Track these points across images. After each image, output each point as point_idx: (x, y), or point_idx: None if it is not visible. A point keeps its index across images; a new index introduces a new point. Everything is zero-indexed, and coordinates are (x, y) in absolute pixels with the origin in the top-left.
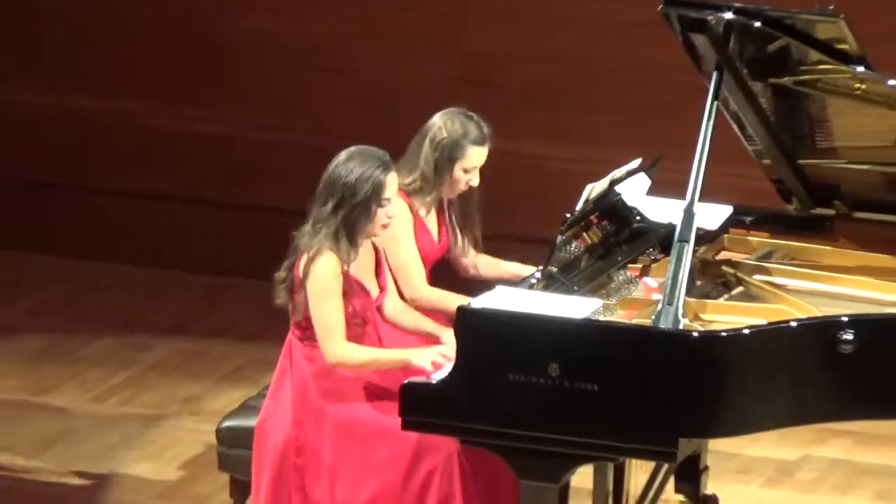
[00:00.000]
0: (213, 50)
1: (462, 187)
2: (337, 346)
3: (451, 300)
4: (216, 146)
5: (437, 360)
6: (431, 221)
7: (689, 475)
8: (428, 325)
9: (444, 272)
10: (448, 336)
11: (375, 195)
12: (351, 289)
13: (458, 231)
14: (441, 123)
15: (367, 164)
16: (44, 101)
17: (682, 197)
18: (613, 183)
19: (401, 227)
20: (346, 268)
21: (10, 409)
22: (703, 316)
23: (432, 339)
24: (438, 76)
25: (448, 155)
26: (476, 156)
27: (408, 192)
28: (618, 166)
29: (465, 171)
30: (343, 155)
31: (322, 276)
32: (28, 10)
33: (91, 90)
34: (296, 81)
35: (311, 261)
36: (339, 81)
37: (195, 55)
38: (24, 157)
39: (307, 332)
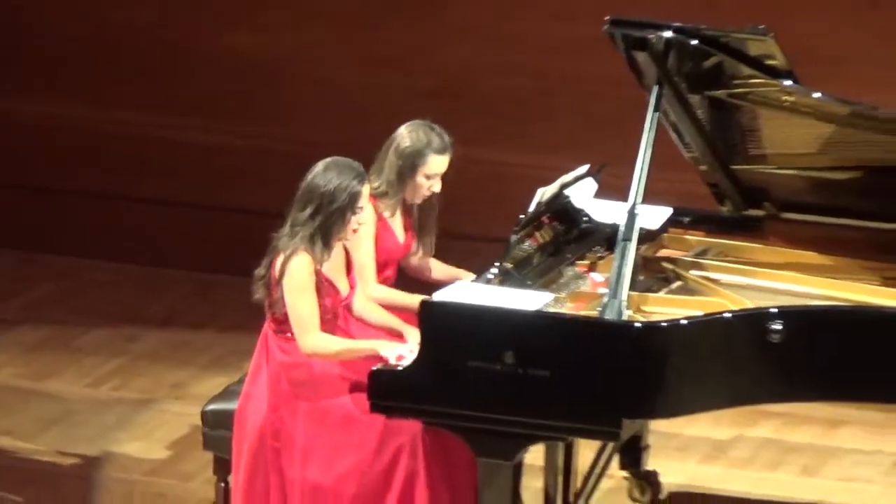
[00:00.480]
0: (200, 64)
1: (425, 192)
2: (311, 337)
3: (396, 296)
4: (202, 154)
5: (401, 353)
6: (396, 223)
7: (632, 453)
8: (393, 321)
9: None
10: (413, 335)
11: (351, 204)
12: (323, 287)
13: (419, 236)
14: (405, 133)
15: (344, 175)
16: (43, 112)
17: (626, 199)
18: (563, 187)
19: (363, 228)
20: (318, 267)
21: (12, 394)
22: (644, 308)
23: (397, 334)
24: (407, 89)
25: (411, 163)
26: (437, 164)
27: (374, 196)
28: (567, 172)
29: (427, 177)
30: (321, 165)
31: (297, 274)
32: (32, 30)
33: (88, 101)
34: (275, 94)
35: (287, 260)
36: (314, 94)
37: (183, 69)
38: (25, 164)
39: (283, 325)
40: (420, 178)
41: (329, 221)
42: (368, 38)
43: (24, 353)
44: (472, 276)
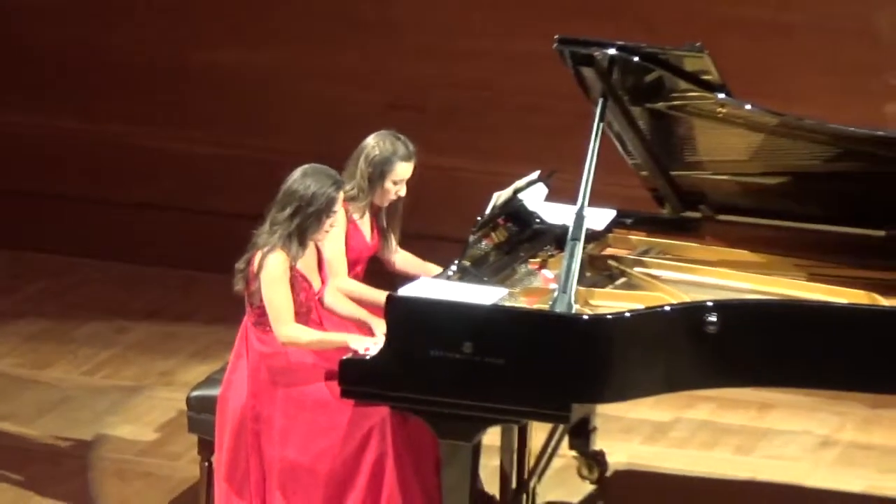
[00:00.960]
0: (183, 79)
1: (391, 197)
2: (286, 327)
3: (363, 290)
4: (185, 161)
5: (368, 345)
6: (365, 224)
7: (581, 434)
8: (361, 313)
9: (374, 266)
10: (379, 327)
11: (327, 209)
12: (297, 282)
13: (386, 235)
14: (374, 143)
15: (322, 181)
16: (38, 122)
17: (574, 202)
18: (517, 191)
19: (335, 228)
20: (293, 264)
21: (13, 382)
22: (591, 302)
23: (365, 325)
24: (369, 102)
25: (379, 170)
26: (403, 171)
27: (345, 199)
28: (520, 178)
29: (394, 183)
30: (300, 171)
31: (273, 269)
32: (30, 49)
33: (79, 113)
34: (251, 107)
35: (264, 256)
36: (288, 107)
37: (167, 84)
38: (21, 171)
39: (261, 318)
40: (388, 184)
41: (306, 223)
42: (335, 57)
43: (23, 345)
44: (440, 269)
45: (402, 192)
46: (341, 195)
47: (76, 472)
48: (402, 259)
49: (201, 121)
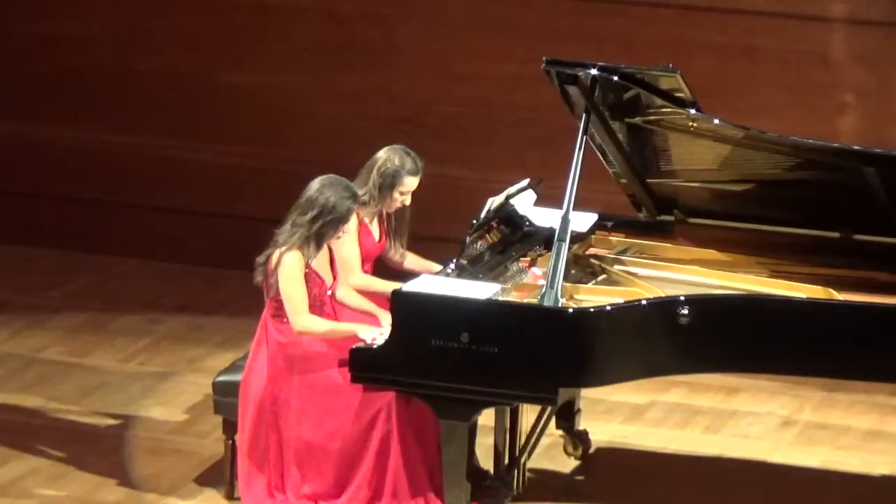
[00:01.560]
0: (211, 98)
1: (398, 205)
2: (302, 318)
3: (377, 284)
4: (212, 171)
5: (375, 335)
6: (374, 227)
7: (567, 415)
8: (369, 306)
9: (381, 264)
10: (385, 317)
11: (344, 218)
12: (311, 278)
13: (392, 236)
14: (386, 156)
15: (342, 193)
16: (83, 136)
17: (560, 207)
18: (509, 197)
19: (349, 230)
20: (308, 262)
21: (57, 368)
22: (576, 296)
23: (372, 316)
24: (378, 118)
25: (389, 182)
26: (410, 183)
27: (358, 204)
28: (512, 185)
29: (401, 193)
30: (321, 181)
31: (289, 266)
32: (76, 72)
33: (119, 129)
34: (272, 123)
35: (282, 254)
36: (303, 123)
37: (197, 102)
38: (67, 179)
39: (279, 310)
40: (396, 194)
41: (324, 229)
42: (345, 78)
43: (67, 335)
44: (440, 267)
45: (408, 201)
46: (356, 206)
47: (113, 449)
48: (409, 260)
49: (228, 135)
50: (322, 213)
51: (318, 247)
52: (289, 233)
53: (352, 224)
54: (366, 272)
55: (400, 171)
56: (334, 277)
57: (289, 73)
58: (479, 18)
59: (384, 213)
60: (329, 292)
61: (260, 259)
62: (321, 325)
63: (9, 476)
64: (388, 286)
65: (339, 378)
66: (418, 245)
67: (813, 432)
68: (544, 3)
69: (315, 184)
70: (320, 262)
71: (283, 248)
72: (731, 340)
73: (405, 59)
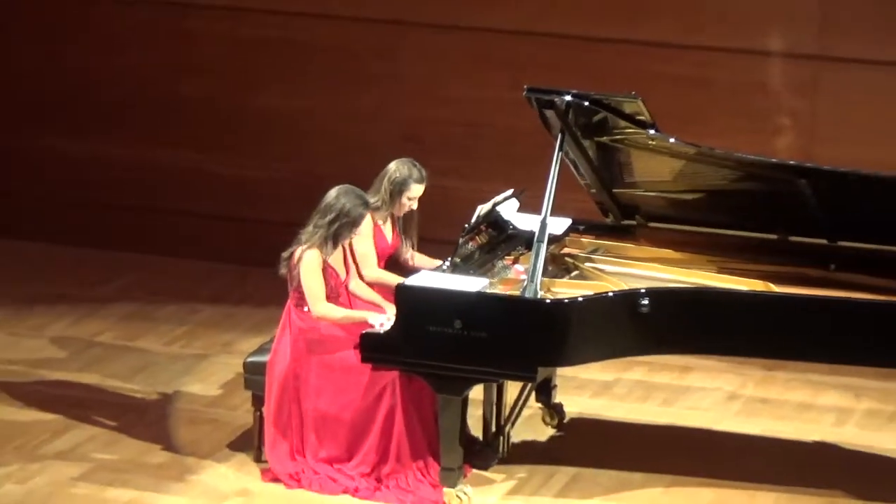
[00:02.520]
0: (239, 118)
1: (406, 209)
2: (320, 305)
3: (389, 278)
4: (240, 182)
5: (383, 321)
6: (387, 229)
7: (544, 390)
8: (377, 297)
9: (393, 262)
10: (390, 307)
11: (357, 221)
12: (328, 272)
13: (403, 237)
14: (396, 168)
15: (356, 201)
16: (123, 152)
17: (540, 213)
18: (495, 205)
19: (365, 230)
20: (325, 258)
21: (111, 351)
22: (553, 289)
23: (379, 306)
24: (384, 135)
25: (399, 189)
26: (417, 190)
27: (372, 209)
28: (498, 194)
29: (409, 199)
30: (339, 189)
31: (310, 262)
32: (118, 94)
33: (161, 145)
34: (291, 139)
35: (303, 252)
36: (318, 139)
37: (226, 122)
38: (114, 189)
39: (300, 300)
40: (404, 199)
41: (340, 230)
42: (355, 101)
43: (119, 322)
44: (441, 262)
45: (415, 206)
46: (368, 213)
47: (158, 419)
48: (418, 259)
49: (256, 151)
50: (338, 217)
51: (335, 246)
52: (310, 233)
53: (366, 226)
54: (380, 268)
55: (408, 180)
56: (347, 272)
57: (308, 97)
58: (470, 52)
59: (395, 216)
60: (344, 284)
61: (284, 254)
62: (336, 311)
63: (70, 443)
64: (398, 279)
65: (351, 358)
66: (419, 246)
67: (754, 405)
68: (525, 39)
69: (333, 192)
70: (336, 259)
71: (305, 246)
72: (685, 326)
73: (407, 86)
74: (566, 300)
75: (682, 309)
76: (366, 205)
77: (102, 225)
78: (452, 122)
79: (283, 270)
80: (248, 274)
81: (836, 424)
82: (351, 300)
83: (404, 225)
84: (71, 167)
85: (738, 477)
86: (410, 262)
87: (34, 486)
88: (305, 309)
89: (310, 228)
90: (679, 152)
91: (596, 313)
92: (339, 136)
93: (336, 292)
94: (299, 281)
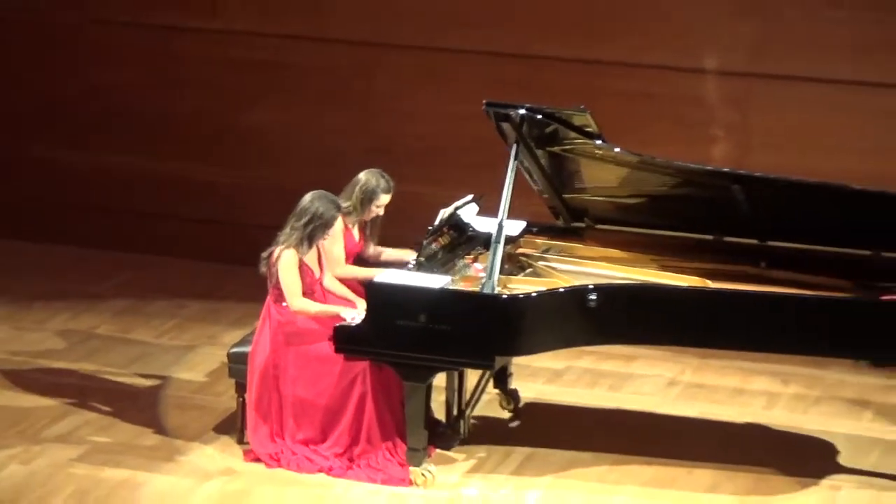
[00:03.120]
0: (227, 133)
1: (374, 215)
2: (296, 300)
3: (358, 272)
4: (227, 189)
5: (354, 315)
6: (355, 231)
7: (501, 378)
8: (348, 292)
9: (359, 260)
10: (361, 303)
11: (330, 223)
12: (303, 270)
13: (368, 237)
14: (366, 178)
15: (329, 205)
16: (124, 161)
17: (497, 216)
18: (456, 209)
19: (337, 232)
20: (301, 257)
21: (106, 342)
22: (509, 285)
23: (351, 302)
24: (356, 147)
25: (368, 197)
26: (384, 199)
27: (343, 213)
28: (459, 199)
29: (377, 206)
30: (313, 194)
31: (287, 261)
32: (121, 110)
33: (154, 155)
34: (274, 151)
35: (281, 251)
36: (297, 151)
37: (214, 135)
38: (117, 195)
39: (279, 297)
40: (373, 207)
41: (314, 231)
42: (330, 117)
43: (114, 316)
44: (412, 252)
45: (381, 212)
46: (340, 215)
47: (150, 405)
48: (386, 253)
49: (237, 161)
50: (312, 220)
51: (310, 246)
52: (287, 234)
53: (338, 228)
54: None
55: (377, 190)
56: (321, 270)
57: (288, 113)
58: (433, 72)
59: (363, 221)
60: (318, 281)
61: (264, 254)
62: (312, 306)
63: (68, 427)
64: (367, 272)
65: (326, 349)
66: (388, 246)
67: (692, 390)
68: (483, 59)
69: (308, 196)
70: (311, 258)
71: (282, 247)
72: (629, 319)
73: (377, 103)
74: (521, 295)
75: (626, 303)
76: (338, 208)
77: (99, 227)
78: (418, 134)
79: (262, 269)
80: (231, 272)
81: (765, 407)
82: (325, 295)
83: (370, 227)
84: (69, 174)
85: (677, 455)
86: (376, 258)
87: (36, 467)
88: (284, 304)
89: (286, 230)
90: (624, 161)
91: (548, 307)
92: (315, 148)
93: (311, 289)
94: (278, 278)
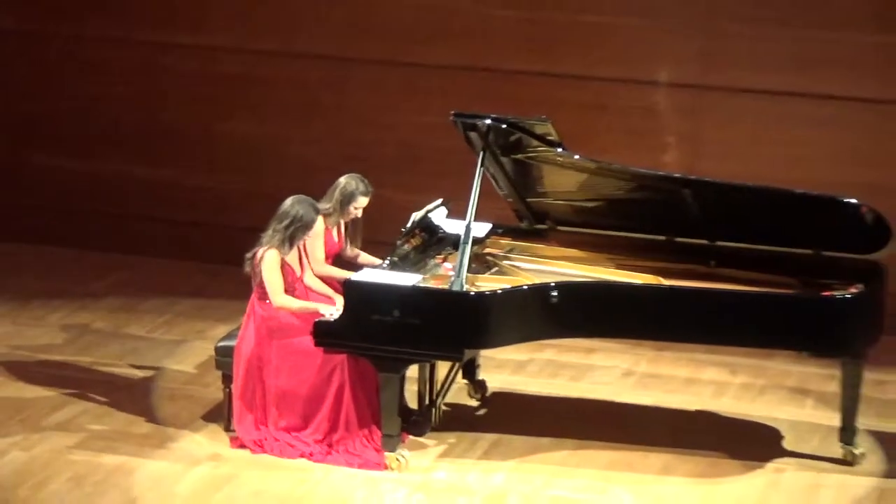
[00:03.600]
0: (210, 142)
1: (353, 217)
2: (279, 297)
3: (336, 272)
4: (213, 194)
5: (332, 312)
6: (335, 232)
7: (470, 369)
8: (328, 289)
9: (339, 259)
10: (339, 299)
11: (310, 225)
12: (285, 269)
13: (348, 239)
14: (346, 182)
15: (308, 208)
16: (122, 170)
17: (465, 218)
18: (427, 212)
19: (317, 233)
20: (284, 257)
21: (103, 337)
22: (476, 283)
23: (330, 298)
24: (331, 155)
25: (348, 199)
26: (363, 202)
27: (324, 215)
28: (429, 203)
29: (356, 208)
30: (294, 198)
31: (270, 260)
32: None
33: (144, 163)
34: (255, 160)
35: (264, 251)
36: (279, 158)
37: (201, 145)
38: (115, 200)
39: (263, 294)
40: (351, 209)
41: (295, 233)
42: (308, 127)
43: (109, 313)
44: (382, 261)
45: (360, 214)
46: (319, 217)
47: (143, 395)
48: (362, 257)
49: (222, 167)
50: (293, 222)
51: (291, 246)
52: (270, 236)
53: (319, 228)
54: (327, 264)
55: (355, 192)
56: (302, 269)
57: (267, 123)
58: (405, 85)
59: (343, 222)
60: (300, 279)
61: (248, 255)
62: (294, 303)
63: (67, 415)
64: (344, 273)
65: (306, 343)
66: (364, 247)
67: (647, 380)
68: (452, 73)
69: (288, 201)
70: (292, 258)
71: (266, 247)
72: (588, 314)
73: (352, 113)
74: (487, 292)
75: (585, 299)
76: (317, 211)
77: (94, 230)
78: (391, 142)
79: (247, 269)
80: (218, 272)
81: (714, 396)
82: (306, 292)
83: (351, 229)
84: (66, 181)
85: (633, 441)
86: (357, 260)
87: (36, 453)
88: (267, 301)
89: (269, 232)
90: (583, 167)
91: (513, 303)
92: (293, 156)
93: (292, 287)
94: (261, 277)
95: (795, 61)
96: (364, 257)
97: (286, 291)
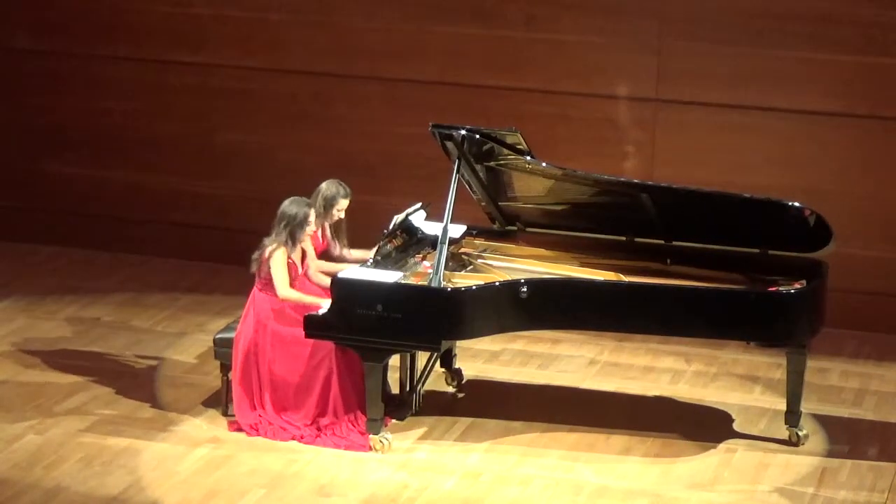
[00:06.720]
0: (210, 150)
1: (336, 219)
2: (285, 290)
3: (331, 266)
4: (212, 199)
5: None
6: (319, 233)
7: (447, 358)
8: (327, 282)
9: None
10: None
11: (307, 220)
12: (290, 266)
13: (333, 238)
14: (327, 186)
15: (301, 206)
16: (120, 176)
17: (442, 221)
18: (408, 215)
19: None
20: (289, 255)
21: (110, 330)
22: (453, 280)
23: (327, 292)
24: (319, 163)
25: (329, 203)
26: (343, 204)
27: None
28: (410, 207)
29: (338, 210)
30: (288, 201)
31: (278, 257)
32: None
33: (142, 169)
34: (249, 166)
35: (272, 251)
36: (269, 166)
37: (201, 153)
38: (120, 204)
39: (266, 286)
40: (334, 211)
41: (294, 230)
42: (297, 137)
43: (116, 308)
44: (371, 249)
45: (342, 215)
46: (313, 213)
47: (147, 383)
48: (354, 253)
49: (221, 174)
50: (290, 221)
51: (294, 244)
52: (273, 238)
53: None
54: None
55: (336, 196)
56: (304, 266)
57: (261, 133)
58: (386, 98)
59: (327, 224)
60: (302, 275)
61: (254, 255)
62: (297, 295)
63: (78, 402)
64: (339, 267)
65: (299, 334)
66: (348, 247)
67: (609, 368)
68: (427, 87)
69: (286, 202)
70: (295, 256)
71: (273, 247)
72: (555, 308)
73: (338, 124)
74: (463, 288)
75: (552, 295)
76: (308, 206)
77: (102, 232)
78: (373, 151)
79: (253, 268)
80: (216, 270)
81: (671, 383)
82: (305, 287)
83: (335, 231)
84: (77, 187)
85: (597, 424)
86: (347, 257)
87: (50, 436)
88: (270, 293)
89: (272, 236)
90: (550, 174)
91: (486, 298)
92: (285, 163)
93: (293, 282)
94: (268, 272)
95: (739, 77)
96: (355, 252)
97: (291, 287)
